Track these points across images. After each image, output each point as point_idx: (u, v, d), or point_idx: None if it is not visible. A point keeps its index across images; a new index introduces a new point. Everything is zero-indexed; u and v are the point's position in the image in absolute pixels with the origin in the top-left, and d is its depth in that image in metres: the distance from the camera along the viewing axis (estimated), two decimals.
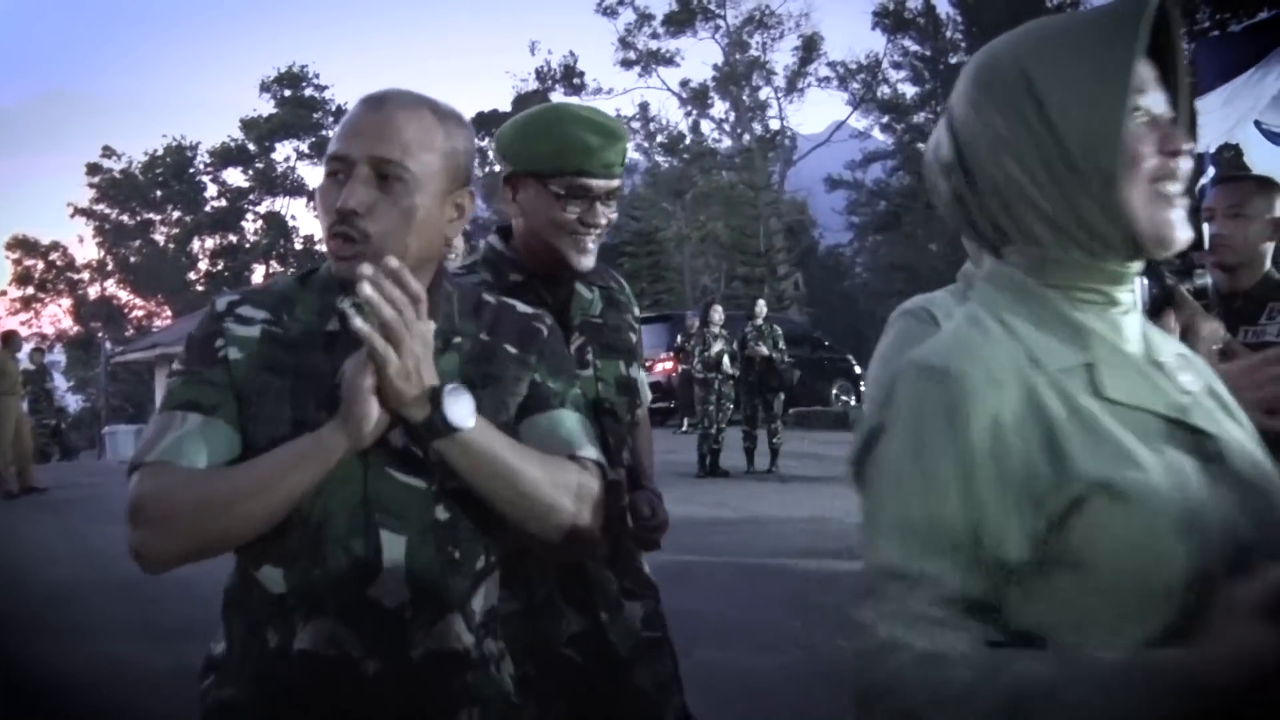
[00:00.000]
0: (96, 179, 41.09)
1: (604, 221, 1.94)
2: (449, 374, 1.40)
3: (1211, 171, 5.28)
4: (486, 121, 37.35)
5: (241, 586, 1.41)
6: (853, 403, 19.23)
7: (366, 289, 1.26)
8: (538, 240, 1.93)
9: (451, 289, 1.50)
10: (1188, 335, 2.76)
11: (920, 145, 42.59)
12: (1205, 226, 2.79)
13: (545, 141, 1.90)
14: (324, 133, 41.04)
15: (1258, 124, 5.42)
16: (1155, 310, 2.68)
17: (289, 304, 1.44)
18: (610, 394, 2.02)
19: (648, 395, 2.16)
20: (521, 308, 1.56)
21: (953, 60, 38.34)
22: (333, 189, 1.37)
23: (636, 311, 2.19)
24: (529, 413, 1.46)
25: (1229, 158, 6.52)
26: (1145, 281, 2.67)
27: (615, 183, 1.95)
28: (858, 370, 20.53)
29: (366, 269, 1.27)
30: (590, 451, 1.47)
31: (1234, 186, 2.83)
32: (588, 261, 1.94)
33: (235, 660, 1.39)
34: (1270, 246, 2.79)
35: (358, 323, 1.27)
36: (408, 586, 1.35)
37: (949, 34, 38.36)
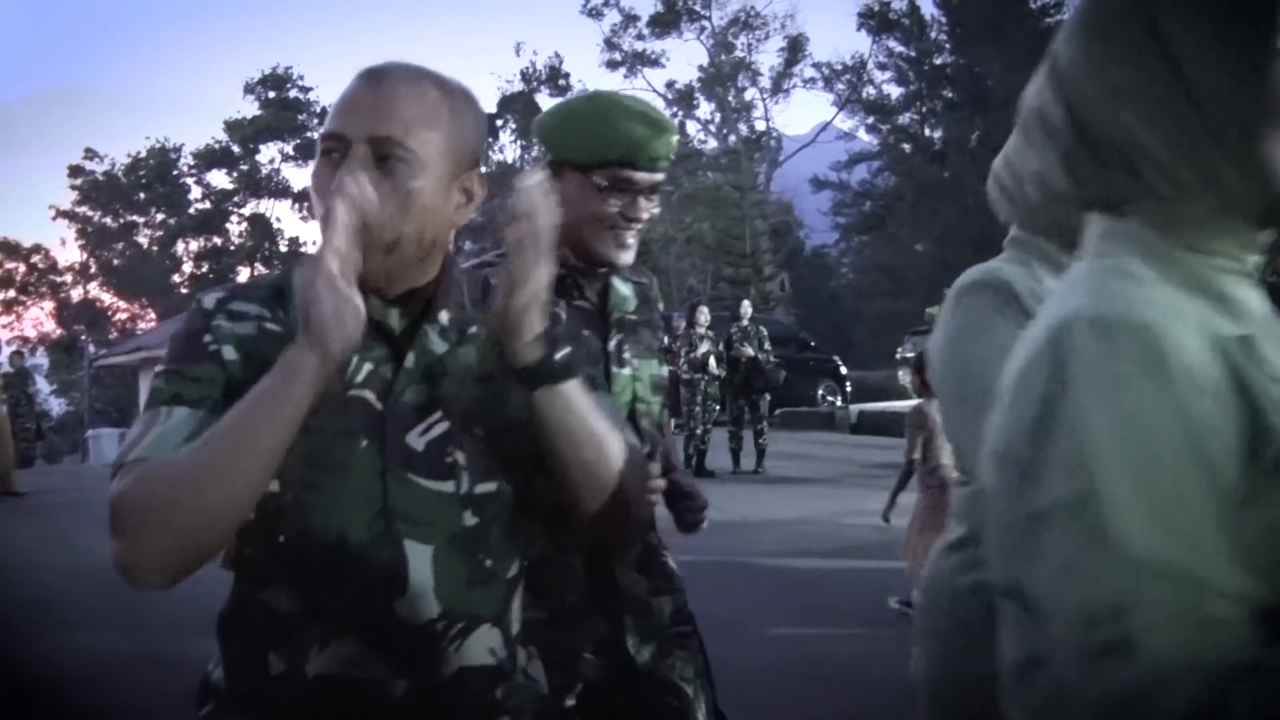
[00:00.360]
0: (79, 181, 40.86)
1: (646, 217, 1.86)
2: (468, 366, 1.31)
3: None
4: None
5: (240, 608, 1.28)
6: (838, 403, 19.28)
7: (530, 192, 1.18)
8: (575, 233, 1.82)
9: (460, 278, 1.38)
10: None
11: (905, 146, 42.71)
12: None
13: (590, 130, 1.82)
14: (309, 134, 40.87)
15: None
16: None
17: (283, 298, 1.30)
18: (646, 393, 1.95)
19: None
20: None
21: (937, 61, 38.49)
22: (327, 171, 1.24)
23: (662, 308, 2.12)
24: None
25: None
26: None
27: (659, 177, 1.86)
28: (843, 370, 20.57)
29: (533, 176, 1.20)
30: (631, 436, 1.39)
31: None
32: (627, 257, 1.87)
33: (236, 686, 1.28)
34: None
35: (510, 230, 1.18)
36: (437, 600, 1.24)
37: (934, 35, 38.49)
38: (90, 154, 40.95)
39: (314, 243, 1.28)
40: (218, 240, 42.04)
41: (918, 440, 5.65)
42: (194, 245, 42.24)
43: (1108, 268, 0.92)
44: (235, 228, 42.45)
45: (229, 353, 1.25)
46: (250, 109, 40.99)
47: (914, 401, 5.85)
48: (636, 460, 1.34)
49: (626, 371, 1.91)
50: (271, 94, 40.92)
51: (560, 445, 1.25)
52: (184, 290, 40.27)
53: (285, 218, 43.39)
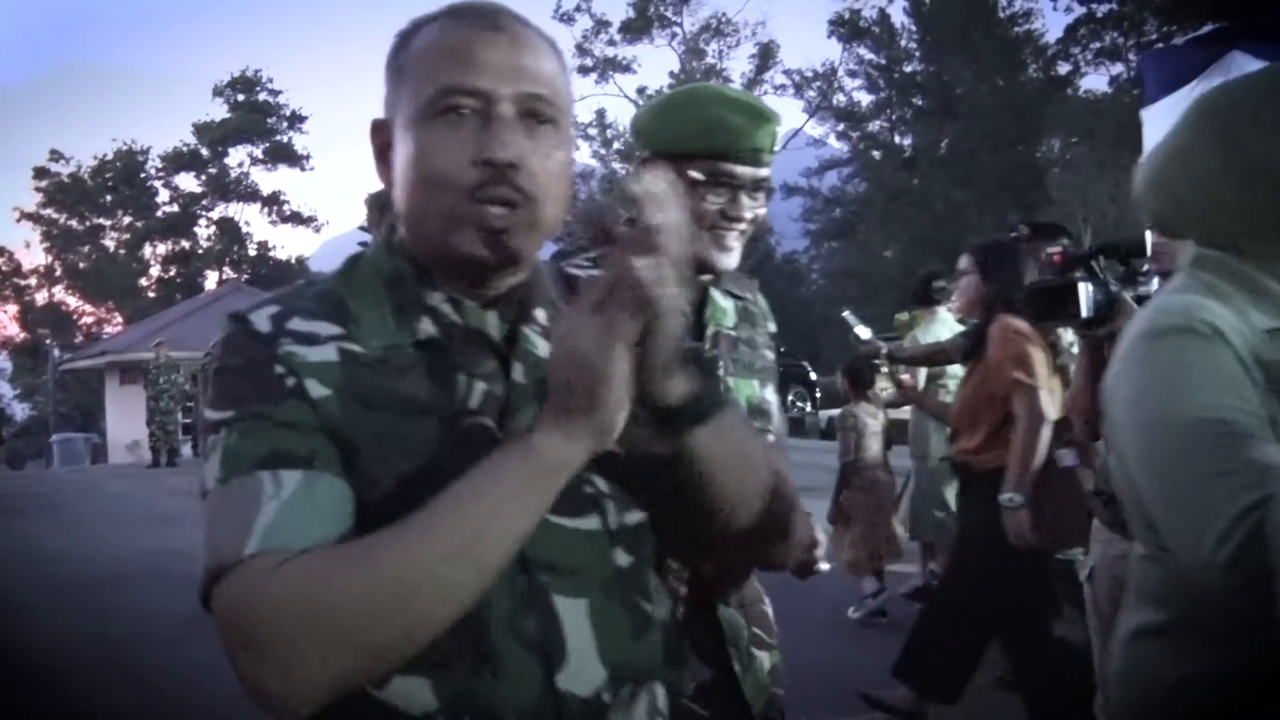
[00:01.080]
0: (44, 183, 40.37)
1: (749, 216, 1.69)
2: None
3: None
4: None
5: (345, 714, 0.93)
6: (808, 409, 19.37)
7: (651, 186, 0.88)
8: None
9: (544, 270, 1.15)
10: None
11: (875, 153, 42.99)
12: (1148, 234, 2.85)
13: (686, 120, 1.67)
14: (278, 138, 40.64)
15: None
16: (1100, 317, 2.75)
17: (348, 310, 1.04)
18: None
19: (781, 419, 1.89)
20: None
21: (907, 68, 38.76)
22: (461, 135, 0.99)
23: (772, 328, 1.94)
24: None
25: None
26: (1090, 288, 2.73)
27: (763, 172, 1.70)
28: (813, 376, 20.68)
29: (652, 180, 0.88)
30: (776, 453, 1.22)
31: None
32: (729, 261, 1.70)
33: None
34: None
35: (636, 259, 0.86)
36: (601, 663, 1.01)
37: (904, 43, 38.78)
38: (55, 155, 40.44)
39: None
40: (186, 244, 41.59)
41: (850, 441, 5.94)
42: (161, 249, 41.76)
43: None
44: (204, 231, 42.04)
45: (315, 388, 0.97)
46: (219, 112, 40.73)
47: (875, 405, 6.15)
48: (786, 480, 1.15)
49: None
50: (241, 97, 40.61)
51: (718, 484, 1.03)
52: (152, 294, 39.87)
53: (254, 221, 42.98)
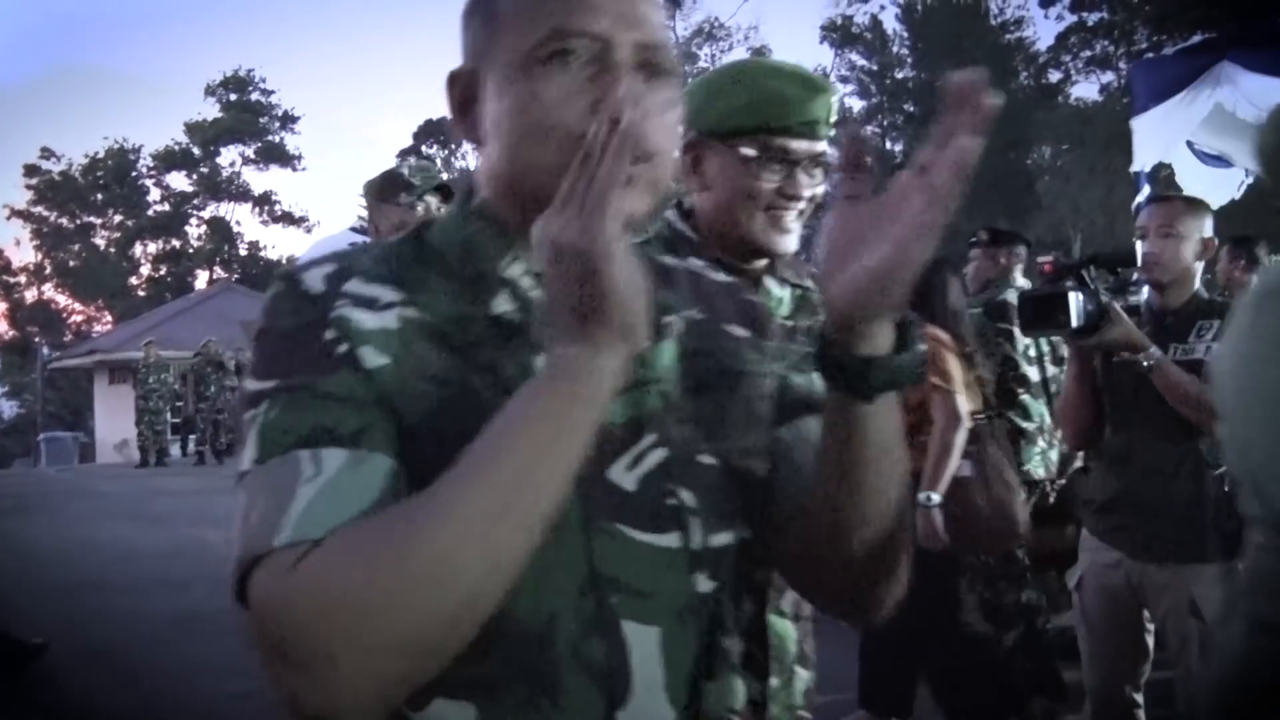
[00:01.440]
0: (34, 181, 40.25)
1: (807, 194, 1.56)
2: (669, 372, 0.94)
3: (1146, 190, 5.44)
4: (436, 130, 37.15)
5: None
6: None
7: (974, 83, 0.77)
8: (725, 217, 1.56)
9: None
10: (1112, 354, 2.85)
11: (866, 159, 43.90)
12: (1138, 244, 2.88)
13: (735, 94, 1.55)
14: (270, 138, 40.62)
15: (1189, 144, 5.59)
16: (1090, 325, 2.77)
17: (415, 277, 0.92)
18: None
19: None
20: (715, 275, 1.10)
21: (899, 75, 38.87)
22: (577, 82, 0.88)
23: None
24: (791, 417, 1.00)
25: (1164, 177, 6.70)
26: (1080, 297, 2.75)
27: (820, 146, 1.56)
28: None
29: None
30: None
31: (1165, 206, 2.92)
32: (788, 244, 1.57)
33: None
34: (1200, 265, 2.89)
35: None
36: (669, 701, 0.88)
37: (895, 49, 38.89)
38: (47, 153, 40.36)
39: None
40: (176, 243, 41.53)
41: None
42: (152, 248, 41.69)
43: None
44: (194, 230, 42.00)
45: (372, 357, 0.86)
46: (211, 111, 40.68)
47: None
48: (909, 503, 1.00)
49: None
50: (233, 96, 40.58)
51: (858, 478, 0.89)
52: (141, 293, 39.76)
53: (245, 221, 42.96)
